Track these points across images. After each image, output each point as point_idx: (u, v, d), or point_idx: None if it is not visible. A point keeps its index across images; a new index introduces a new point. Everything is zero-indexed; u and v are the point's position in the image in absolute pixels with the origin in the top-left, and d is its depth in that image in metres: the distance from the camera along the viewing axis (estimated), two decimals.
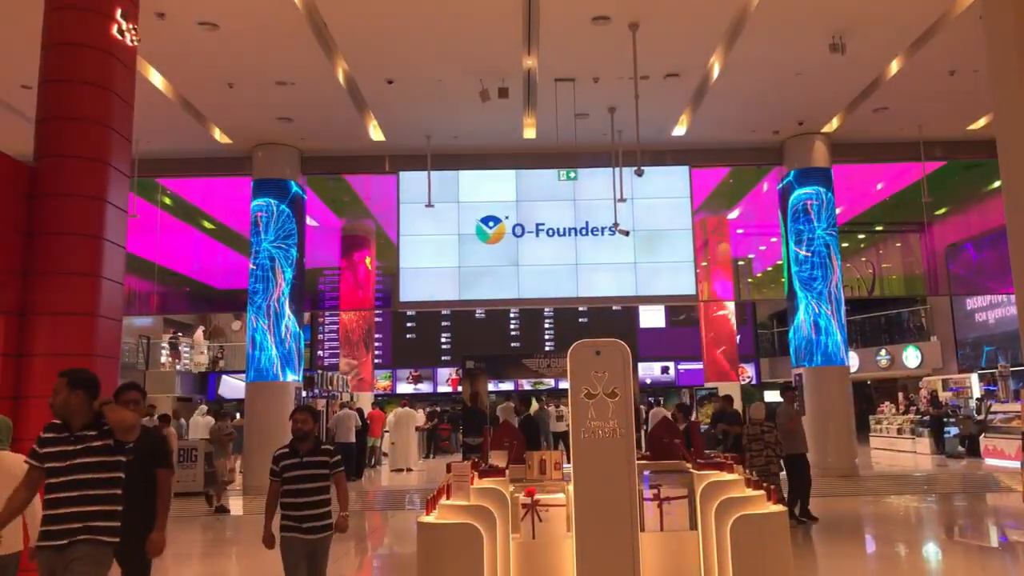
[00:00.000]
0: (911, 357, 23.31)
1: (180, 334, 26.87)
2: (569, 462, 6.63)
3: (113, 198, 8.00)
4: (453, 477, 6.04)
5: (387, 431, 19.92)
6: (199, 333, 26.90)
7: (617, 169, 13.80)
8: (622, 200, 13.69)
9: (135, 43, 8.67)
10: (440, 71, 12.35)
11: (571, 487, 5.79)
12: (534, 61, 12.24)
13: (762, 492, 6.19)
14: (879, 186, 19.47)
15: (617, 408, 5.82)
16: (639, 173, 10.80)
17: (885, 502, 12.59)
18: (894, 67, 12.61)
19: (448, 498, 5.97)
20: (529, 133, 14.90)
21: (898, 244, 21.69)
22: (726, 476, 6.27)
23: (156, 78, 12.46)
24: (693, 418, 21.98)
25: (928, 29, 11.39)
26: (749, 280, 24.38)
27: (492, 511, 5.68)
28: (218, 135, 14.82)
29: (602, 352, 5.88)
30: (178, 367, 25.21)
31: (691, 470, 6.49)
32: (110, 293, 7.85)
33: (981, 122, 14.76)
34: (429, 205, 14.94)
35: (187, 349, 26.73)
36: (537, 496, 5.99)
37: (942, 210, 18.88)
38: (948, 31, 11.24)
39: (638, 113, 11.47)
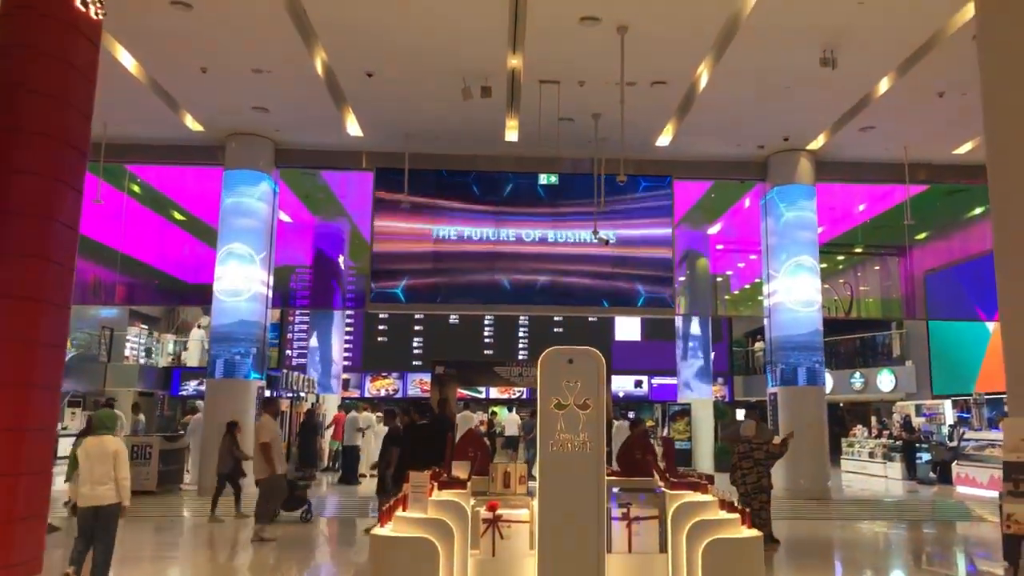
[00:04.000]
0: (885, 381, 23.20)
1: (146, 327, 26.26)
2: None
3: (67, 177, 7.57)
4: (410, 488, 5.68)
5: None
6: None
7: (599, 177, 13.52)
8: (603, 208, 13.41)
9: (100, 16, 8.26)
10: (422, 66, 12.00)
11: (536, 503, 5.46)
12: (519, 61, 11.93)
13: (736, 515, 5.87)
14: (860, 207, 19.36)
15: (589, 420, 5.50)
16: (622, 180, 10.53)
17: (857, 527, 12.35)
18: (883, 85, 12.44)
19: (404, 510, 5.61)
20: (511, 136, 14.58)
21: (876, 267, 21.63)
22: (699, 497, 5.94)
23: (126, 59, 12.00)
24: (665, 433, 21.78)
25: (920, 47, 11.21)
26: (726, 297, 24.24)
27: (451, 525, 5.35)
28: (190, 122, 14.36)
29: (575, 360, 5.56)
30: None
31: (664, 489, 6.17)
32: (58, 277, 7.41)
33: (968, 146, 14.65)
34: (405, 204, 14.57)
35: (154, 342, 26.17)
36: (500, 511, 5.64)
37: (922, 235, 18.78)
38: (940, 50, 11.07)
39: (623, 119, 11.17)
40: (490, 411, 24.19)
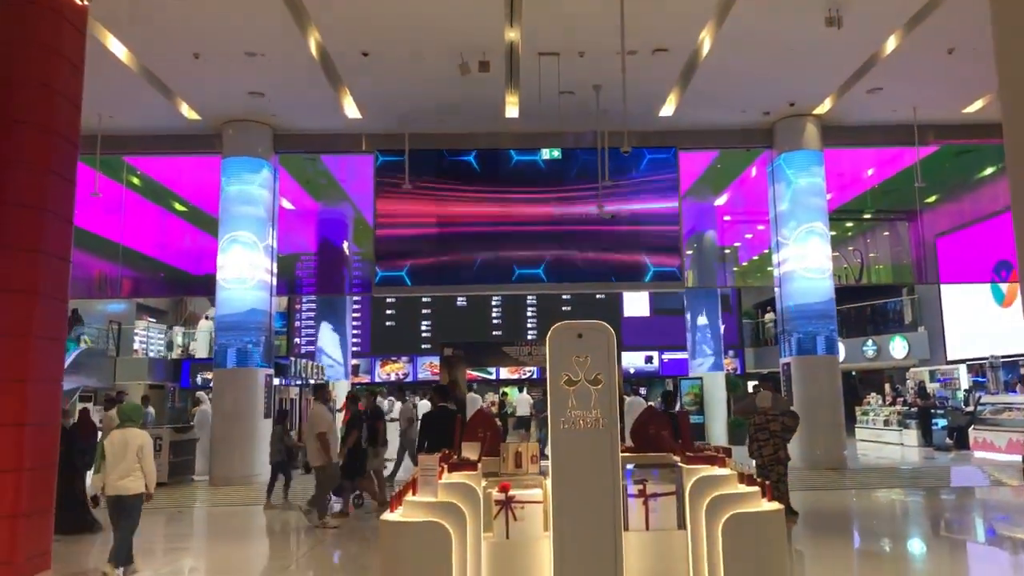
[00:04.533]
0: (898, 348, 22.98)
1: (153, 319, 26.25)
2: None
3: (58, 168, 7.40)
4: (419, 471, 5.53)
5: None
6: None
7: (602, 150, 13.28)
8: (607, 182, 13.18)
9: (86, 3, 8.06)
10: (418, 43, 11.76)
11: (549, 482, 5.30)
12: (517, 34, 11.68)
13: (756, 488, 5.71)
14: (869, 172, 19.08)
15: (600, 396, 5.32)
16: (626, 151, 10.30)
17: (875, 496, 12.19)
18: (891, 44, 12.14)
19: (414, 494, 5.46)
20: (511, 112, 14.34)
21: (886, 233, 21.35)
22: (718, 471, 5.78)
23: (117, 48, 11.79)
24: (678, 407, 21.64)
25: (929, 2, 10.90)
26: (735, 269, 23.99)
27: (462, 508, 5.19)
28: (186, 111, 14.16)
29: (584, 335, 5.38)
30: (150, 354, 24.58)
31: (680, 464, 6.01)
32: (53, 270, 7.26)
33: (978, 104, 14.34)
34: (407, 186, 14.37)
35: (161, 335, 26.18)
36: (512, 492, 5.49)
37: (932, 197, 18.48)
38: (949, 5, 10.76)
39: (625, 89, 10.90)
40: (501, 392, 24.11)
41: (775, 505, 5.47)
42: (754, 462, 9.40)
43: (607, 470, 5.21)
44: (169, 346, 25.95)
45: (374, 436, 11.37)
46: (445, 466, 5.81)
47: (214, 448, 14.24)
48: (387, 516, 5.29)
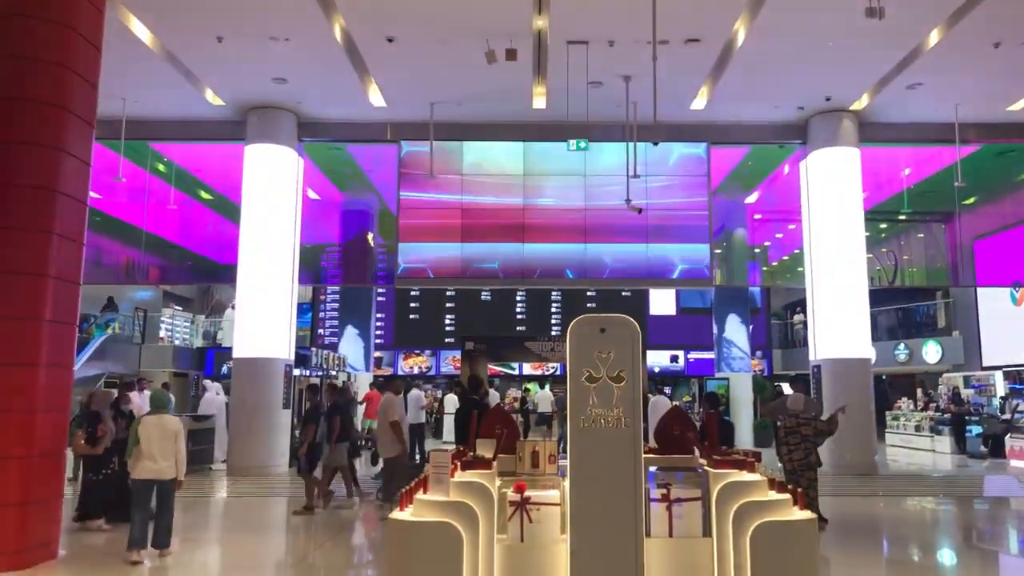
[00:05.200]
0: (931, 352, 22.39)
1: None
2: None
3: (71, 147, 7.24)
4: (431, 468, 5.27)
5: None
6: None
7: (631, 144, 12.94)
8: (635, 176, 12.83)
9: None
10: (444, 29, 11.50)
11: (567, 483, 5.03)
12: (545, 21, 11.39)
13: (787, 496, 5.40)
14: (905, 172, 18.56)
15: (623, 395, 5.04)
16: (656, 143, 9.96)
17: (908, 503, 11.78)
18: (934, 37, 11.68)
19: (425, 492, 5.22)
20: (539, 103, 14.06)
21: (921, 235, 20.82)
22: (746, 476, 5.48)
23: (141, 30, 11.66)
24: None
25: None
26: (764, 268, 23.52)
27: (475, 508, 4.93)
28: (210, 97, 14.03)
29: (608, 329, 5.10)
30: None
31: (706, 468, 5.71)
32: (65, 252, 7.10)
33: (1022, 102, 13.82)
34: (431, 176, 14.13)
35: (187, 323, 26.27)
36: (528, 493, 5.23)
37: (971, 199, 17.92)
38: None
39: (656, 78, 10.56)
40: (523, 388, 23.84)
41: (807, 514, 5.16)
42: (783, 467, 9.05)
43: (629, 472, 4.93)
44: (205, 335, 26.11)
45: (330, 431, 10.82)
46: (458, 463, 5.56)
47: (232, 437, 14.11)
48: (396, 515, 5.06)
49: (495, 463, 5.59)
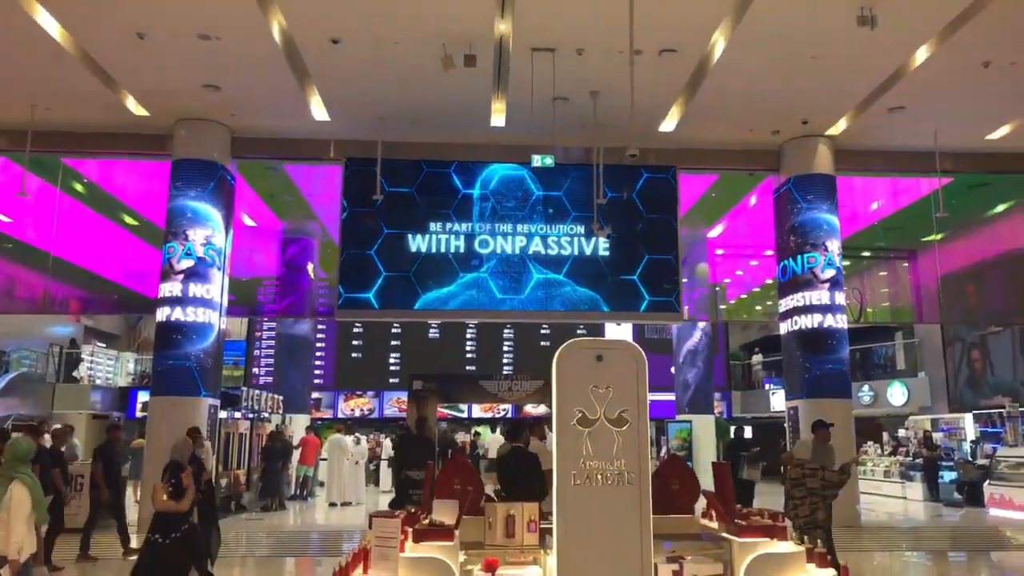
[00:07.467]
0: (896, 394, 21.69)
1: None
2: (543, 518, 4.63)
3: None
4: (374, 538, 3.97)
5: (323, 459, 17.74)
6: None
7: (598, 165, 11.89)
8: (602, 200, 11.77)
9: None
10: (396, 30, 10.34)
11: (552, 558, 3.79)
12: (508, 25, 10.32)
13: (831, 570, 4.23)
14: (874, 205, 17.96)
15: (627, 441, 3.85)
16: (634, 155, 8.94)
17: (910, 560, 10.70)
18: (921, 55, 10.94)
19: (365, 572, 3.91)
20: (497, 120, 12.98)
21: (883, 273, 20.21)
22: (779, 547, 4.29)
23: (49, 23, 10.22)
24: (662, 453, 20.08)
25: (970, 6, 9.69)
26: (722, 307, 22.70)
27: None
28: (132, 105, 12.58)
29: (605, 357, 3.91)
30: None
31: (725, 535, 4.51)
32: None
33: (1004, 130, 13.22)
34: (377, 198, 12.86)
35: (111, 360, 24.47)
36: (501, 572, 3.97)
37: (938, 235, 17.32)
38: (993, 9, 9.57)
39: (632, 87, 9.48)
40: (473, 431, 22.52)
41: None
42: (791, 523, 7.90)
43: (634, 542, 3.71)
44: (131, 373, 24.51)
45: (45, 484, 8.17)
46: (409, 531, 4.26)
47: (145, 486, 12.47)
48: None
49: (457, 531, 4.30)
